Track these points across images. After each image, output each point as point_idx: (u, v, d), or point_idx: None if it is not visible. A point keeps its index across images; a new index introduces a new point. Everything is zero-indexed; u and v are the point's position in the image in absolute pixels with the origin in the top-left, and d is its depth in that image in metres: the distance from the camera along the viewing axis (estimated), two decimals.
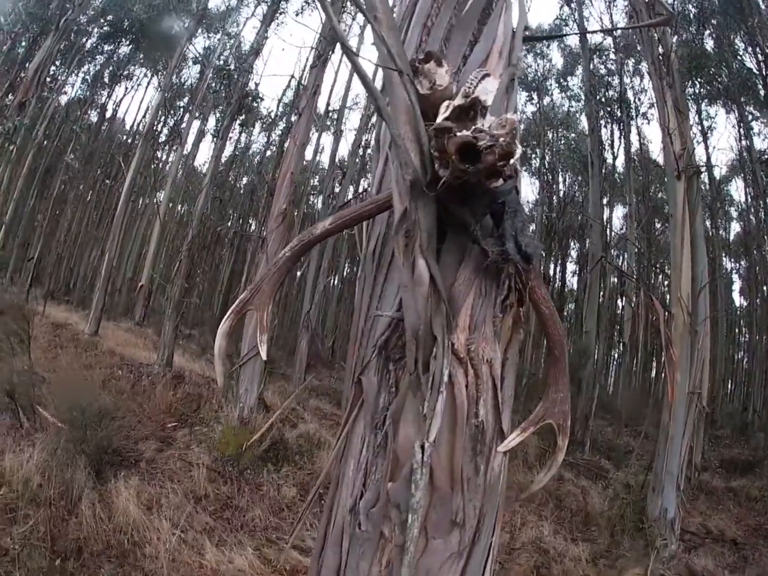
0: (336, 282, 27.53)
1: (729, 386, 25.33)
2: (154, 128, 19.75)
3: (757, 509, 8.53)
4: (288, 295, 25.93)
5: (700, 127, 17.12)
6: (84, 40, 20.98)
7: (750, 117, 16.45)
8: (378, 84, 1.81)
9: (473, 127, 1.25)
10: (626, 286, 17.49)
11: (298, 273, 25.94)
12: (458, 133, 1.21)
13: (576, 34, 14.93)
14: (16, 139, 16.00)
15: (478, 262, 1.46)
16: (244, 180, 29.10)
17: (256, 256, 11.37)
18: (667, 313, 6.74)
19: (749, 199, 19.15)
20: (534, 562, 5.40)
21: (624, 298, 18.24)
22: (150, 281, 16.42)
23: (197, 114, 18.55)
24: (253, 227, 22.55)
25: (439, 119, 1.33)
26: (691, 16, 15.07)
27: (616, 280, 19.23)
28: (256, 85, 17.31)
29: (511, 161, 1.21)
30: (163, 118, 21.41)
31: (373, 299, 1.65)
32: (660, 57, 7.54)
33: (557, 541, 5.91)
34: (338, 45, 8.43)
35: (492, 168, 1.21)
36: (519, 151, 1.23)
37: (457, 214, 1.39)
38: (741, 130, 17.06)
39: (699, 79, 15.70)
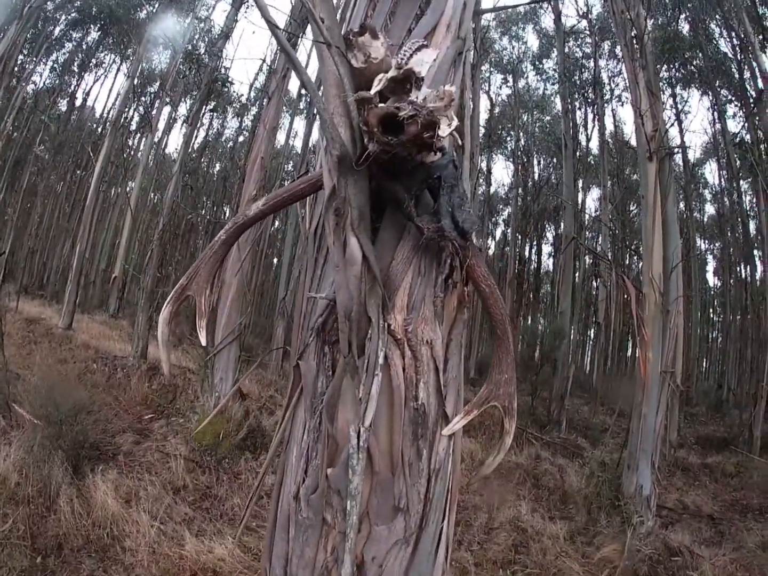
0: None
1: (704, 365, 25.88)
2: (124, 116, 19.30)
3: (732, 485, 8.70)
4: (265, 282, 25.69)
5: (674, 110, 17.18)
6: (52, 27, 20.39)
7: (724, 100, 16.54)
8: None
9: (408, 100, 1.20)
10: (600, 266, 17.64)
11: (275, 260, 25.73)
12: (379, 105, 1.15)
13: (529, 3, 14.65)
14: None
15: (416, 240, 1.40)
16: (218, 167, 28.48)
17: None
18: (639, 293, 6.78)
19: (723, 182, 19.40)
20: (512, 541, 5.42)
21: (598, 279, 18.41)
22: (123, 272, 16.15)
23: (168, 100, 18.16)
24: (227, 214, 22.20)
25: (371, 92, 1.26)
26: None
27: (590, 261, 19.42)
28: (226, 69, 16.93)
29: (440, 132, 1.15)
30: (133, 105, 20.90)
31: (314, 281, 1.59)
32: (633, 39, 7.54)
33: (535, 519, 5.94)
34: (309, 26, 8.26)
35: (417, 139, 1.15)
36: (455, 123, 1.17)
37: (391, 190, 1.33)
38: (715, 113, 17.13)
39: (674, 63, 15.72)
